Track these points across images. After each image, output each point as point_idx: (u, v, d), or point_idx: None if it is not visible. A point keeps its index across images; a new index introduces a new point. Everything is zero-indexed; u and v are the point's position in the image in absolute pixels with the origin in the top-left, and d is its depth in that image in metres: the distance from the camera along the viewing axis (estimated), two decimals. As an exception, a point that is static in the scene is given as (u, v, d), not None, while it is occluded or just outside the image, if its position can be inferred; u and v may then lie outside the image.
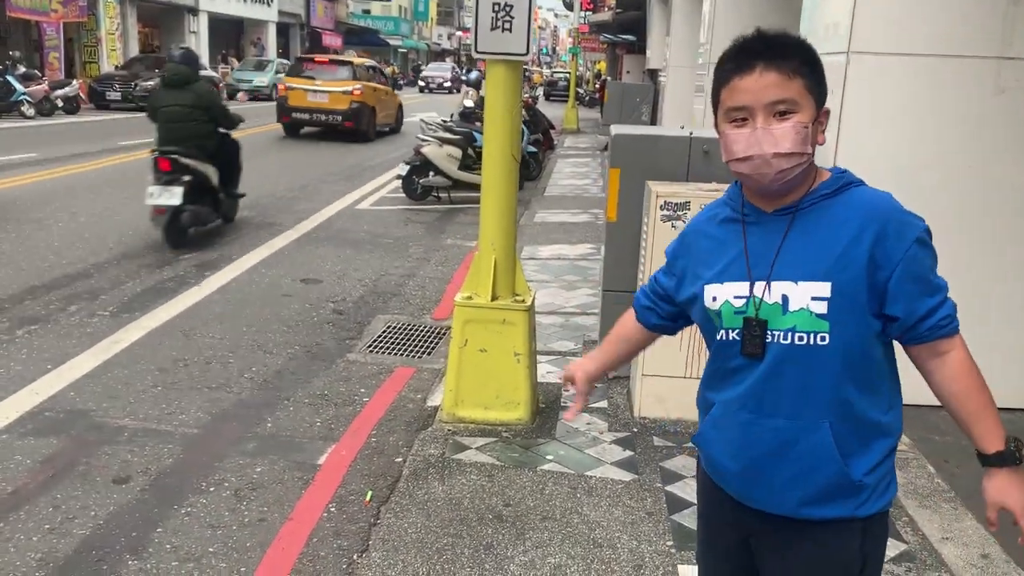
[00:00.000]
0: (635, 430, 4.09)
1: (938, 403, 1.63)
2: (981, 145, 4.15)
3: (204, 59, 29.64)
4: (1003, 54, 4.01)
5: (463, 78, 20.28)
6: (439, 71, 47.49)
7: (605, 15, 28.23)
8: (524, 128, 12.30)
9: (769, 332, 1.54)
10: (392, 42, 57.54)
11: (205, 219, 7.84)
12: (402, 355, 5.20)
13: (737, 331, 1.57)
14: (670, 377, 4.09)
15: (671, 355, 4.04)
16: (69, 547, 3.06)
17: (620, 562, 2.99)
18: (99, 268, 6.81)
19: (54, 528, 3.17)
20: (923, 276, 1.52)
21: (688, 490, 3.45)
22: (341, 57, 20.65)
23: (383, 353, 5.23)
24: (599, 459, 3.78)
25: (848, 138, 4.10)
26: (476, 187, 4.16)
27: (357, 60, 20.15)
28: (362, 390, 4.64)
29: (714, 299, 1.60)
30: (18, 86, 18.45)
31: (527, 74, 32.24)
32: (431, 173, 10.47)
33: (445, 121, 11.55)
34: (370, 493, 3.50)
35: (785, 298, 1.52)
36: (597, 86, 33.35)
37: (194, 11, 31.86)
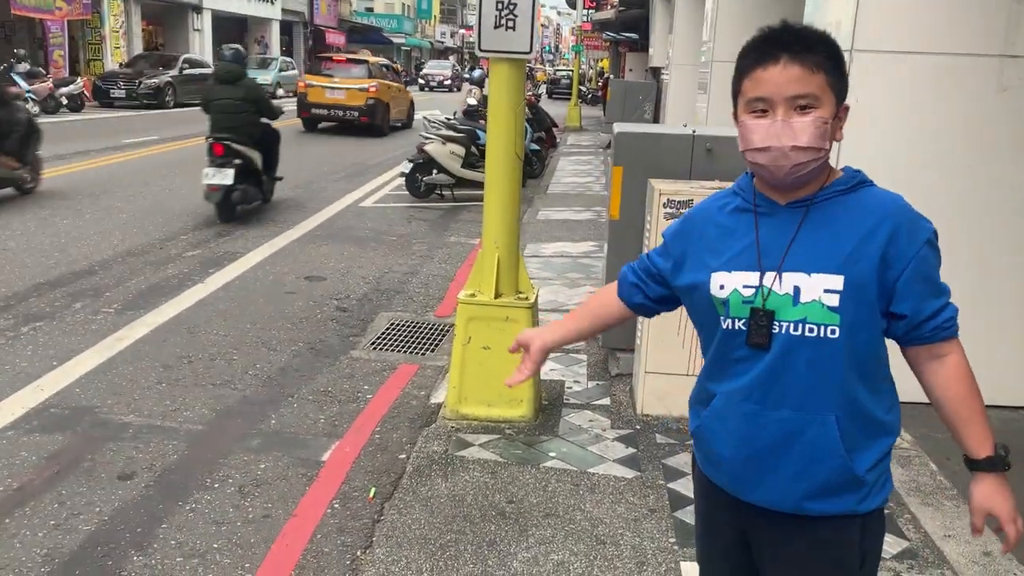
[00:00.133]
0: (638, 427, 4.10)
1: None
2: (983, 144, 4.15)
3: (208, 57, 29.71)
4: (1006, 52, 4.01)
5: (466, 76, 20.46)
6: (439, 69, 47.47)
7: (608, 13, 28.21)
8: (527, 126, 12.31)
9: (776, 323, 1.54)
10: (395, 40, 57.53)
11: (251, 198, 8.96)
12: (406, 352, 5.21)
13: (743, 320, 1.57)
14: (672, 375, 4.10)
15: (673, 353, 4.05)
16: (74, 543, 3.08)
17: (623, 559, 3.01)
18: (104, 265, 6.83)
19: (59, 524, 3.19)
20: (930, 277, 1.55)
21: (691, 487, 3.44)
22: (357, 56, 21.58)
23: (387, 350, 5.24)
24: (602, 456, 3.79)
25: (850, 136, 4.08)
26: (479, 185, 4.17)
27: (372, 59, 21.08)
28: (366, 387, 4.66)
29: (722, 287, 1.59)
30: (22, 84, 18.48)
31: (531, 72, 32.27)
32: (434, 171, 10.47)
33: (448, 119, 11.56)
34: (374, 489, 3.52)
35: (797, 289, 1.53)
36: (600, 84, 33.35)
37: (198, 9, 31.89)
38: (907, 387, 1.70)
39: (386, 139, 18.17)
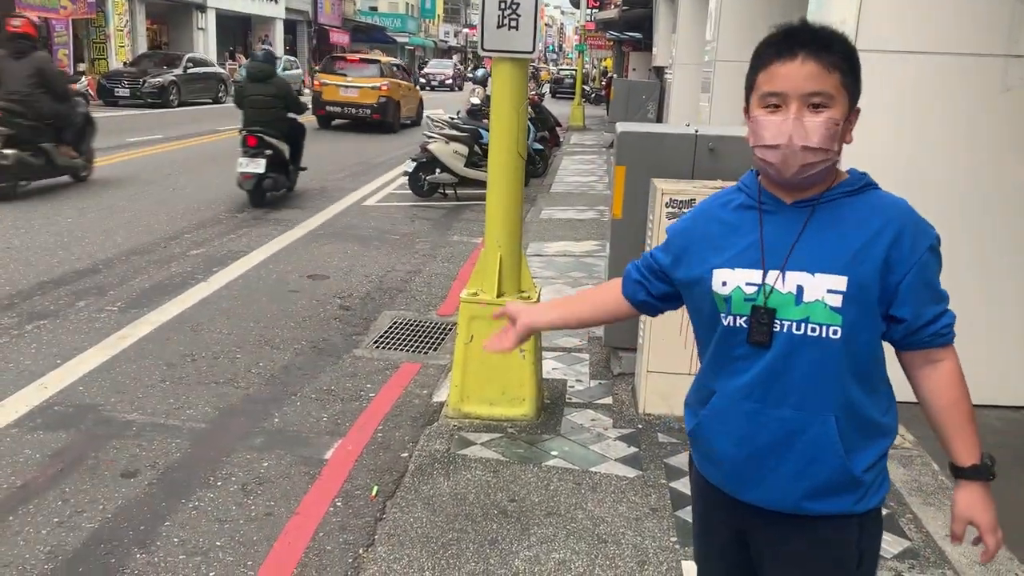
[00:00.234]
0: (640, 426, 4.10)
1: None
2: (987, 143, 4.15)
3: (212, 56, 29.77)
4: (1010, 52, 4.01)
5: (469, 75, 20.67)
6: (440, 68, 47.47)
7: (611, 12, 28.17)
8: (530, 125, 12.31)
9: (777, 321, 1.55)
10: (399, 39, 57.53)
11: (280, 185, 9.78)
12: (408, 351, 5.22)
13: (745, 318, 1.57)
14: (675, 374, 4.10)
15: (676, 352, 4.06)
16: (77, 540, 3.09)
17: (624, 558, 3.01)
18: (107, 264, 6.85)
19: (63, 521, 3.20)
20: (931, 283, 1.56)
21: (692, 486, 3.46)
22: (370, 56, 22.40)
23: (389, 349, 5.25)
24: (604, 455, 3.79)
25: (853, 135, 4.10)
26: (482, 184, 4.19)
27: (384, 59, 21.91)
28: (368, 386, 4.67)
29: (724, 284, 1.60)
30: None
31: (535, 71, 32.26)
32: (437, 170, 10.49)
33: (452, 118, 11.58)
34: (376, 488, 3.52)
35: (800, 288, 1.53)
36: (603, 83, 33.32)
37: (202, 8, 31.93)
38: (910, 388, 1.70)
39: (395, 136, 18.58)
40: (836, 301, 1.51)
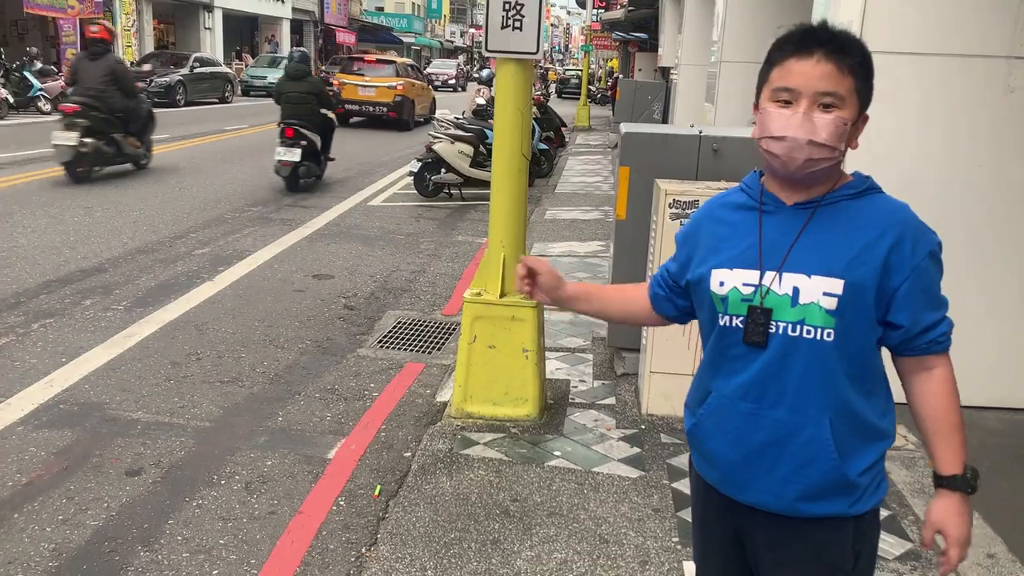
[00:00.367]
0: (643, 427, 4.11)
1: None
2: (990, 145, 4.14)
3: (219, 55, 29.83)
4: (1013, 53, 4.00)
5: (475, 75, 20.86)
6: (444, 68, 47.48)
7: (617, 13, 28.15)
8: (535, 125, 12.33)
9: (773, 323, 1.55)
10: (405, 39, 57.59)
11: (312, 173, 10.85)
12: (412, 351, 5.23)
13: (741, 319, 1.58)
14: (677, 375, 4.10)
15: (679, 353, 4.06)
16: (82, 538, 3.11)
17: (626, 558, 3.02)
18: (113, 263, 6.88)
19: (67, 519, 3.22)
20: (930, 289, 1.55)
21: (695, 487, 3.47)
22: (386, 57, 23.50)
23: (393, 348, 5.26)
24: (606, 456, 3.80)
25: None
26: (487, 184, 4.20)
27: (400, 60, 23.16)
28: (372, 385, 4.68)
29: (721, 284, 1.61)
30: (35, 82, 18.59)
31: (543, 71, 32.27)
32: (443, 170, 10.50)
33: (457, 118, 11.60)
34: (379, 487, 3.53)
35: (796, 290, 1.54)
36: (609, 84, 33.30)
37: (209, 7, 32.00)
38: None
39: (408, 135, 19.02)
40: (831, 304, 1.51)
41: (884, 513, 3.29)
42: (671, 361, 4.11)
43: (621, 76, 29.27)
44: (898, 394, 1.66)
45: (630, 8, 24.10)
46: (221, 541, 3.13)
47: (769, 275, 1.56)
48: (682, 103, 12.62)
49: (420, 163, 10.59)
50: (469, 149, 10.61)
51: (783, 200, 1.60)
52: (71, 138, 9.86)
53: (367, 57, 22.60)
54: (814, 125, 1.49)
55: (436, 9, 66.96)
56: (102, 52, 10.57)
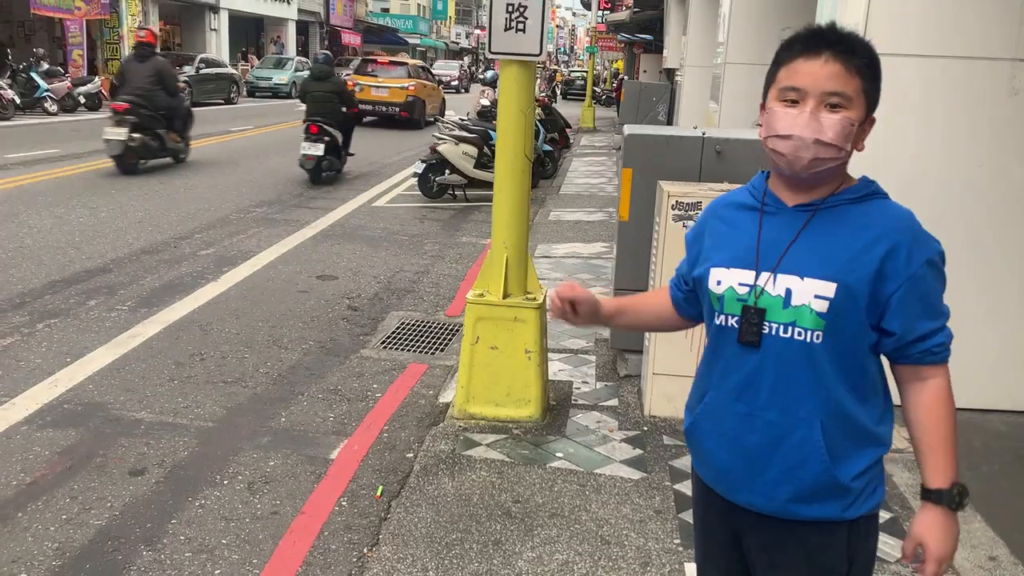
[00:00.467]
0: (645, 429, 4.11)
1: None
2: (994, 147, 4.13)
3: (224, 57, 29.90)
4: (1017, 55, 3.99)
5: (480, 77, 21.01)
6: (447, 69, 47.51)
7: (623, 14, 28.17)
8: (540, 127, 12.35)
9: (767, 323, 1.55)
10: (410, 40, 57.65)
11: (334, 167, 11.68)
12: (415, 351, 5.24)
13: (736, 318, 1.59)
14: (680, 376, 4.10)
15: (682, 355, 4.06)
16: (85, 537, 3.12)
17: (627, 559, 3.02)
18: (118, 263, 6.90)
19: (71, 518, 3.24)
20: (927, 297, 1.53)
21: (696, 489, 3.46)
22: (399, 59, 24.56)
23: (396, 349, 5.27)
24: (609, 457, 3.80)
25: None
26: (491, 185, 4.21)
27: (411, 61, 24.28)
28: (375, 386, 4.69)
29: (719, 283, 1.61)
30: (41, 83, 18.66)
31: (551, 73, 32.22)
32: (447, 171, 10.51)
33: (462, 120, 11.64)
34: (381, 488, 3.54)
35: (788, 292, 1.54)
36: (614, 85, 33.30)
37: (215, 9, 32.08)
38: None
39: (417, 133, 19.38)
40: (822, 307, 1.51)
41: (885, 516, 3.29)
42: (674, 363, 4.11)
43: (626, 77, 29.28)
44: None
45: (635, 10, 24.12)
46: (223, 541, 3.14)
47: (764, 276, 1.57)
48: (687, 104, 12.63)
49: (424, 164, 10.60)
50: (473, 150, 10.62)
51: (785, 201, 1.60)
52: (121, 133, 10.83)
53: (380, 59, 23.47)
54: (821, 125, 1.48)
55: (441, 10, 67.00)
56: (148, 54, 11.50)
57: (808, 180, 1.55)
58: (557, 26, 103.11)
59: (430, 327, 5.72)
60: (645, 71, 26.66)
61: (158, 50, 12.86)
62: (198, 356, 4.99)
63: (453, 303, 6.33)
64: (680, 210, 3.98)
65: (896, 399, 1.64)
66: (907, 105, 4.11)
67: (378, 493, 3.50)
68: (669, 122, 17.22)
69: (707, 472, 1.72)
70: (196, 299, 6.06)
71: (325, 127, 11.18)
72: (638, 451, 3.87)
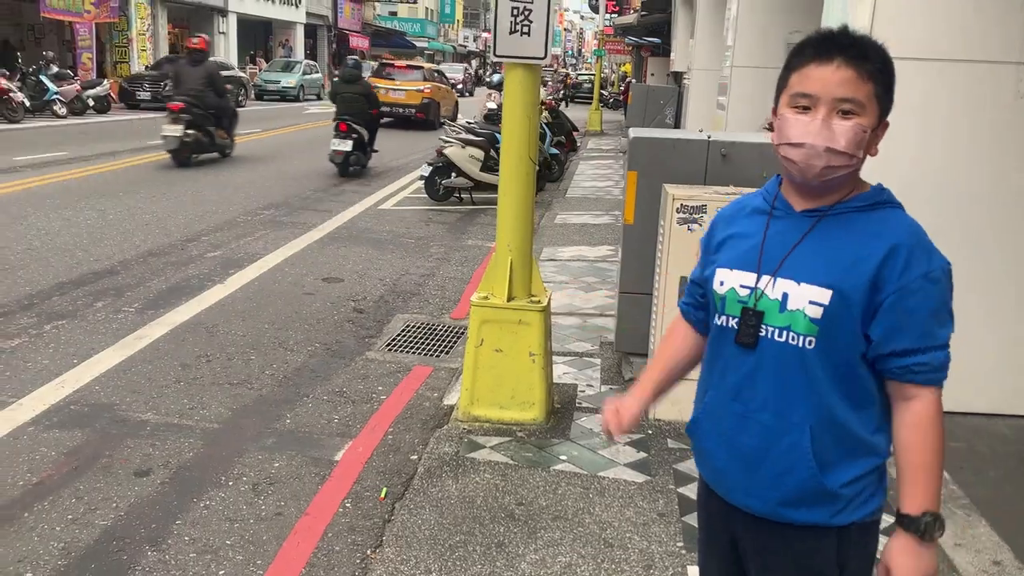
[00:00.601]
0: (649, 432, 4.11)
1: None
2: (998, 151, 4.12)
3: (232, 60, 30.02)
4: (1023, 60, 3.98)
5: (486, 80, 21.10)
6: (451, 72, 47.61)
7: (630, 17, 28.14)
8: (547, 130, 12.37)
9: (764, 326, 1.56)
10: (418, 44, 57.73)
11: (361, 162, 12.70)
12: (420, 354, 5.25)
13: (735, 319, 1.60)
14: (685, 380, 4.07)
15: (686, 358, 4.05)
16: (91, 537, 3.14)
17: (630, 562, 3.02)
18: (126, 265, 6.93)
19: (77, 519, 3.25)
20: (914, 312, 1.48)
21: (700, 492, 3.46)
22: (414, 63, 26.16)
23: (401, 352, 5.28)
24: (612, 460, 3.80)
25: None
26: (497, 188, 4.22)
27: (427, 65, 25.81)
28: (380, 388, 4.70)
29: (721, 283, 1.62)
30: (51, 85, 18.76)
31: (563, 76, 32.16)
32: (453, 174, 10.53)
33: (469, 123, 11.68)
34: (385, 490, 3.55)
35: (785, 296, 1.54)
36: (622, 88, 33.29)
37: (223, 12, 32.21)
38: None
39: (433, 133, 19.58)
40: (816, 313, 1.50)
41: (888, 520, 3.28)
42: (678, 366, 4.10)
43: (633, 80, 29.27)
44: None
45: (643, 13, 24.09)
46: (228, 542, 3.15)
47: (765, 279, 1.57)
48: (694, 107, 12.61)
49: (431, 167, 10.62)
50: (480, 153, 10.63)
51: (793, 206, 1.60)
52: (177, 130, 12.07)
53: (397, 63, 24.69)
54: (833, 132, 1.47)
55: (449, 14, 67.13)
56: (201, 59, 12.85)
57: (819, 187, 1.55)
58: (565, 29, 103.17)
59: (435, 330, 5.73)
60: (653, 74, 26.62)
61: (210, 56, 14.12)
62: (204, 358, 5.01)
63: (458, 306, 6.33)
64: (685, 213, 3.98)
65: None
66: (908, 107, 4.10)
67: (382, 495, 3.51)
68: (676, 125, 17.21)
69: (707, 472, 1.73)
70: (202, 301, 6.08)
71: (354, 125, 12.22)
72: (642, 454, 3.86)
